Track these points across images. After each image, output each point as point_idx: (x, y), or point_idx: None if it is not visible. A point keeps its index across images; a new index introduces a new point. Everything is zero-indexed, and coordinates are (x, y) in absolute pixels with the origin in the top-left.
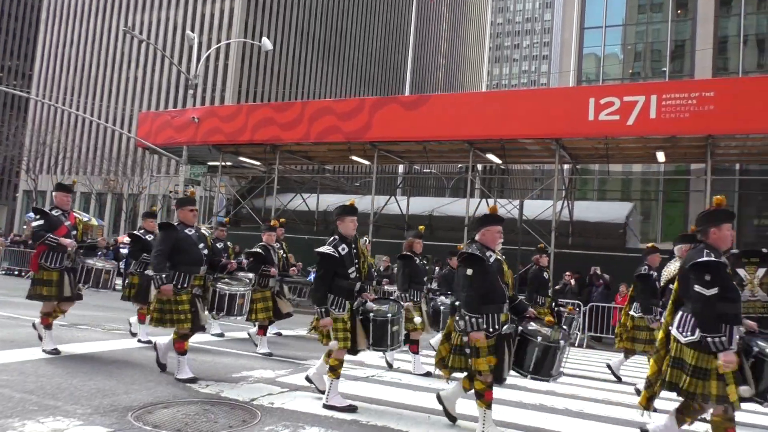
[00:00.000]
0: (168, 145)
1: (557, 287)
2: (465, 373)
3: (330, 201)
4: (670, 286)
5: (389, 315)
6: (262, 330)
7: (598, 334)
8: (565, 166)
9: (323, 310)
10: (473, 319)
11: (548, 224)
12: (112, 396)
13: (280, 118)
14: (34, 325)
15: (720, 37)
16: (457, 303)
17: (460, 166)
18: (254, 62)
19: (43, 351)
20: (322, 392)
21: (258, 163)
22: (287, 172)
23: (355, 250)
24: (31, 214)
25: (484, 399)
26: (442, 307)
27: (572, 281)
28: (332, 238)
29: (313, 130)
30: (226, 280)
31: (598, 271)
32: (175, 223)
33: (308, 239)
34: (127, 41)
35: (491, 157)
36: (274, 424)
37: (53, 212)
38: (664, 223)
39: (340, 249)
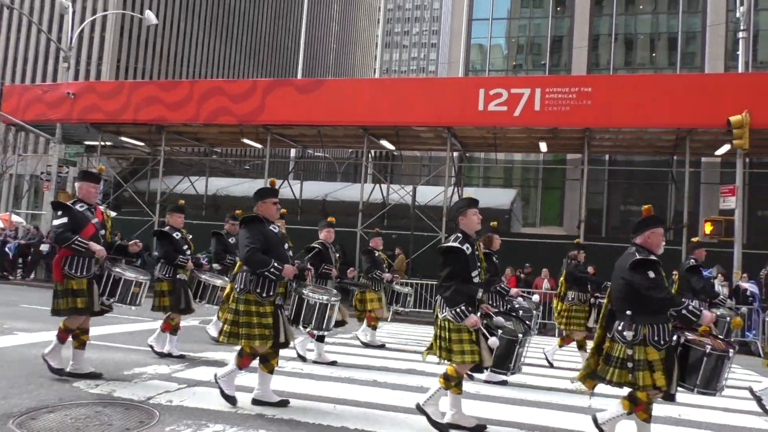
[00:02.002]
0: (39, 122)
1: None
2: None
3: (219, 185)
4: None
5: (520, 335)
6: (321, 338)
7: None
8: (455, 154)
9: (460, 310)
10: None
11: (439, 210)
12: None
13: (167, 97)
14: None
15: (594, 34)
16: (628, 312)
17: (351, 150)
18: (134, 36)
19: (44, 358)
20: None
21: (142, 143)
22: (174, 153)
23: (476, 252)
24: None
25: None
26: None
27: None
28: (455, 236)
29: (203, 111)
30: (311, 286)
31: None
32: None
33: (196, 224)
34: None
35: (385, 143)
36: (174, 423)
37: (77, 206)
38: (543, 208)
39: (464, 248)
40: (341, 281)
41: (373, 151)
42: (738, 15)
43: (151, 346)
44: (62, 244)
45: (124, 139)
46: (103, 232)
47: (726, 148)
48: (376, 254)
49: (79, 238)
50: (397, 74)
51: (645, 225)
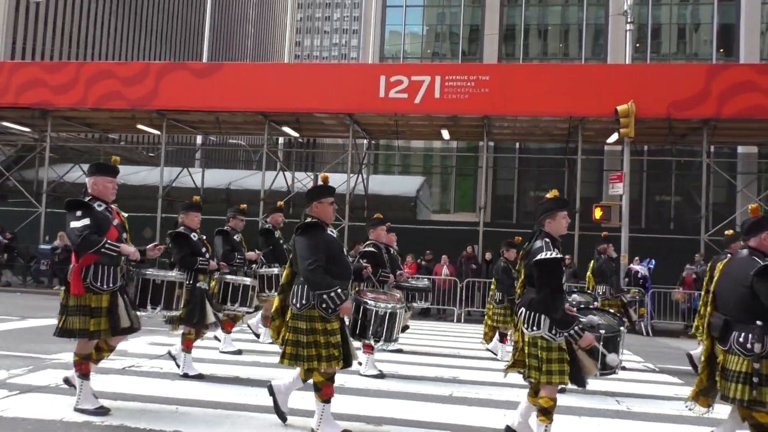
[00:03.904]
0: None
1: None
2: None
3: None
4: None
5: (621, 329)
6: (370, 347)
7: None
8: (364, 141)
9: (575, 332)
10: None
11: (342, 198)
12: None
13: (51, 79)
14: (66, 380)
15: (508, 24)
16: (758, 323)
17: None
18: (32, 14)
19: (78, 410)
20: None
21: (27, 129)
22: (64, 140)
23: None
24: None
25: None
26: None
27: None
28: (543, 241)
29: (92, 95)
30: (372, 294)
31: None
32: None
33: None
34: None
35: (287, 129)
36: None
37: (96, 206)
38: (457, 195)
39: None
40: (398, 285)
41: (283, 139)
42: (625, 8)
43: (186, 374)
44: (90, 248)
45: (5, 124)
46: (125, 236)
47: (615, 136)
48: (392, 251)
49: (110, 241)
50: (318, 60)
51: (759, 227)
